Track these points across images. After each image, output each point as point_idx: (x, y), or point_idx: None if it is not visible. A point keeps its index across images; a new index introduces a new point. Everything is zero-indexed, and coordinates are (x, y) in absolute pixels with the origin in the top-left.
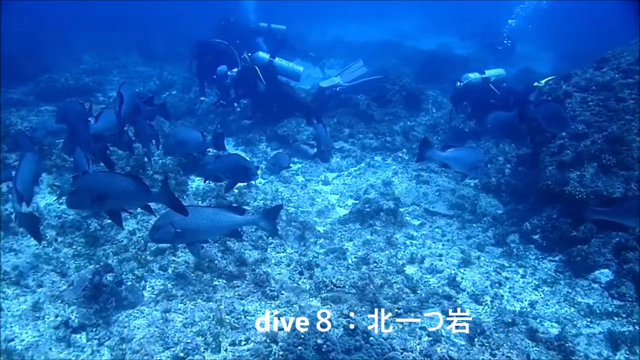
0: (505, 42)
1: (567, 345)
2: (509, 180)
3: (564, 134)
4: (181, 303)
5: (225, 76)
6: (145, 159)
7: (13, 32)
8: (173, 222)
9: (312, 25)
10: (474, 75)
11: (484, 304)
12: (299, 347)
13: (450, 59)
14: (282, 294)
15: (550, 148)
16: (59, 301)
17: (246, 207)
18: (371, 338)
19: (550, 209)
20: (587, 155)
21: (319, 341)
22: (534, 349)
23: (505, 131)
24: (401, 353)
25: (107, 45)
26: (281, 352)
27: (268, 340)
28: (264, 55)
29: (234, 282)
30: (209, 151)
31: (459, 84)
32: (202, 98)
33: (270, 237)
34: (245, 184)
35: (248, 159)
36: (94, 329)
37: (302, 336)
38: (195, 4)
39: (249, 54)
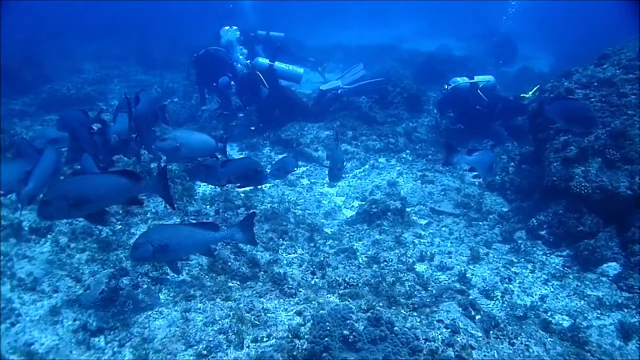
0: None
1: (580, 336)
2: (513, 178)
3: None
4: (200, 303)
5: (228, 86)
6: (152, 165)
7: (13, 42)
8: (152, 241)
9: (311, 31)
10: (462, 80)
11: (494, 299)
12: (326, 339)
13: (450, 60)
14: (300, 291)
15: (554, 144)
16: (76, 305)
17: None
18: (395, 328)
19: (556, 205)
20: (591, 150)
21: (345, 332)
22: (549, 339)
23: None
24: (424, 342)
25: (107, 53)
26: (307, 345)
27: (290, 336)
28: (263, 60)
29: (248, 283)
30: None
31: (446, 87)
32: (203, 107)
33: (280, 239)
34: (252, 187)
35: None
36: (112, 332)
37: (328, 328)
38: (195, 3)
39: (249, 61)
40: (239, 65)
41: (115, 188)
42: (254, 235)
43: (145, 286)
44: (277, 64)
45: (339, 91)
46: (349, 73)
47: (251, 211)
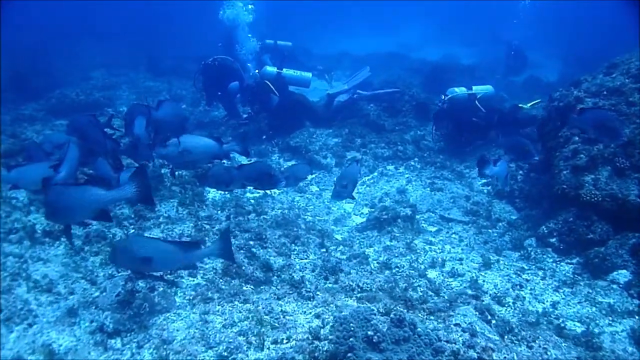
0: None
1: (594, 341)
2: (522, 187)
3: (576, 138)
4: (219, 305)
5: (237, 93)
6: (163, 171)
7: (20, 49)
8: (133, 251)
9: (315, 39)
10: (460, 90)
11: (506, 305)
12: (350, 339)
13: (457, 68)
14: (318, 294)
15: (564, 153)
16: (93, 307)
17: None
18: (418, 329)
19: (566, 213)
20: (601, 158)
21: (370, 333)
22: (563, 344)
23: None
24: (446, 344)
25: (115, 60)
26: (329, 346)
27: (311, 338)
28: (271, 68)
29: (262, 287)
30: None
31: (444, 97)
32: (207, 108)
33: (292, 244)
34: (262, 193)
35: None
36: (129, 334)
37: (352, 328)
38: (204, 4)
39: (257, 70)
40: (240, 49)
41: (83, 199)
42: (232, 253)
43: (161, 289)
44: (285, 70)
45: (354, 96)
46: (356, 77)
47: (225, 230)
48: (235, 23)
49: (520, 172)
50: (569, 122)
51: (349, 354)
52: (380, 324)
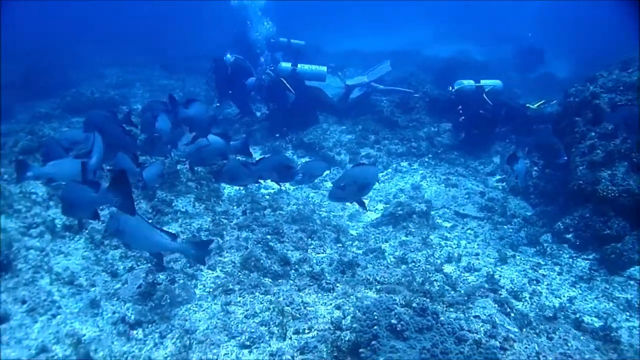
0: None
1: (612, 335)
2: (537, 183)
3: (593, 134)
4: (240, 296)
5: (250, 90)
6: (179, 167)
7: (21, 49)
8: (116, 217)
9: (318, 39)
10: (468, 83)
11: (523, 300)
12: (374, 327)
13: (469, 64)
14: (337, 286)
15: (580, 148)
16: (115, 299)
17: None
18: (441, 318)
19: (582, 208)
20: (618, 154)
21: (393, 321)
22: (582, 337)
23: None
24: (468, 333)
25: (128, 59)
26: (352, 335)
27: (332, 328)
28: (286, 65)
29: (280, 280)
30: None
31: (451, 89)
32: (217, 104)
33: (309, 239)
34: (277, 189)
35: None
36: (151, 325)
37: (375, 317)
38: (203, 4)
39: (272, 67)
40: (257, 34)
41: (83, 197)
42: (205, 257)
43: (181, 281)
44: (299, 66)
45: (369, 89)
46: (375, 70)
47: (211, 239)
48: (247, 11)
49: (536, 168)
50: (601, 117)
51: (373, 342)
52: (403, 313)
